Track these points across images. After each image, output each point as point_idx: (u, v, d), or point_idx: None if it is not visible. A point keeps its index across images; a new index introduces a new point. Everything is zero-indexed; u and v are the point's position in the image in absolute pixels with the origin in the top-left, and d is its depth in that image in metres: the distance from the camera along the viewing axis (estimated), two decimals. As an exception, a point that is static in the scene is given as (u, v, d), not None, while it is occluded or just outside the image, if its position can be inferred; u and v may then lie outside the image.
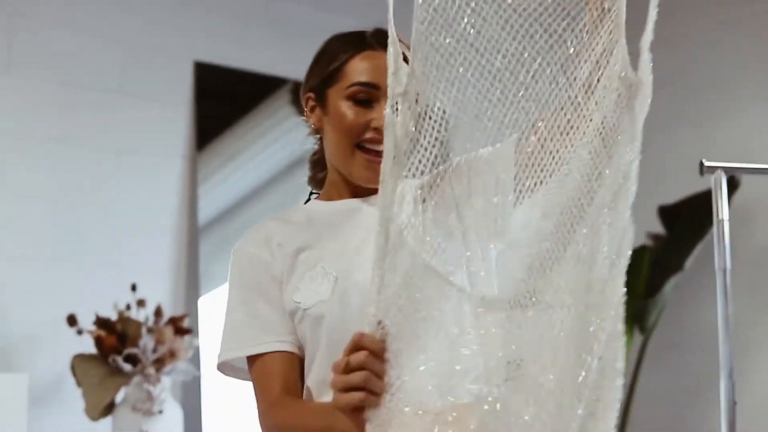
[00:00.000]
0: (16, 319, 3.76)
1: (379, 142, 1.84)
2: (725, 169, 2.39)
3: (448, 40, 1.60)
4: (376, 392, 1.51)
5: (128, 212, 4.04)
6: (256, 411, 1.89)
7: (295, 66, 4.21)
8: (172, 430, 3.63)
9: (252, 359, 1.89)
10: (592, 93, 1.60)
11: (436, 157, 1.62)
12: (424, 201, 1.67)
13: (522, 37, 1.62)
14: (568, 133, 1.62)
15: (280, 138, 4.34)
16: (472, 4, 1.60)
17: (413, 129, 1.60)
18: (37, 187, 3.87)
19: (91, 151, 3.99)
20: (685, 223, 4.51)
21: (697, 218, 4.40)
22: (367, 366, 1.50)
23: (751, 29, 4.64)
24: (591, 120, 1.59)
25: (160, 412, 3.57)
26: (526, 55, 1.62)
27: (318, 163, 2.04)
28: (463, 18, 1.60)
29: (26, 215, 3.83)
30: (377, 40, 1.92)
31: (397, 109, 1.59)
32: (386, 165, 1.56)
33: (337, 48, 1.94)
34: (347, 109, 1.89)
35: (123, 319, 3.61)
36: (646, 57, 1.56)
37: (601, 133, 1.57)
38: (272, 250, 1.89)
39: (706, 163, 2.36)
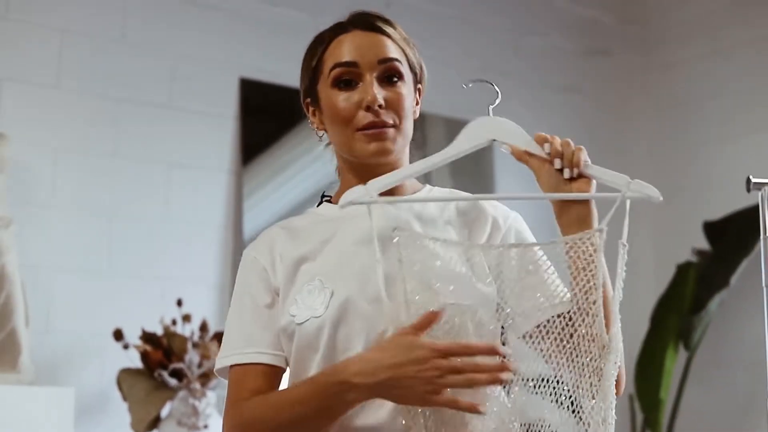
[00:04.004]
0: (63, 332, 3.80)
1: (375, 124, 1.87)
2: (772, 185, 2.37)
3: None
4: None
5: (175, 226, 4.06)
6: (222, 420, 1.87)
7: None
8: (217, 444, 3.65)
9: (231, 366, 1.88)
10: (567, 343, 1.75)
11: None
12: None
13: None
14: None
15: (324, 153, 4.34)
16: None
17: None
18: (86, 201, 3.91)
19: (140, 165, 4.02)
20: (731, 238, 4.48)
21: (743, 234, 4.37)
22: None
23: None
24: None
25: (206, 426, 3.59)
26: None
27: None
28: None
29: (75, 229, 3.87)
30: (350, 22, 1.94)
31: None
32: None
33: (315, 44, 1.98)
34: (335, 97, 1.91)
35: (169, 333, 3.63)
36: (616, 318, 1.73)
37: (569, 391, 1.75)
38: (273, 259, 1.89)
39: (753, 179, 2.34)
